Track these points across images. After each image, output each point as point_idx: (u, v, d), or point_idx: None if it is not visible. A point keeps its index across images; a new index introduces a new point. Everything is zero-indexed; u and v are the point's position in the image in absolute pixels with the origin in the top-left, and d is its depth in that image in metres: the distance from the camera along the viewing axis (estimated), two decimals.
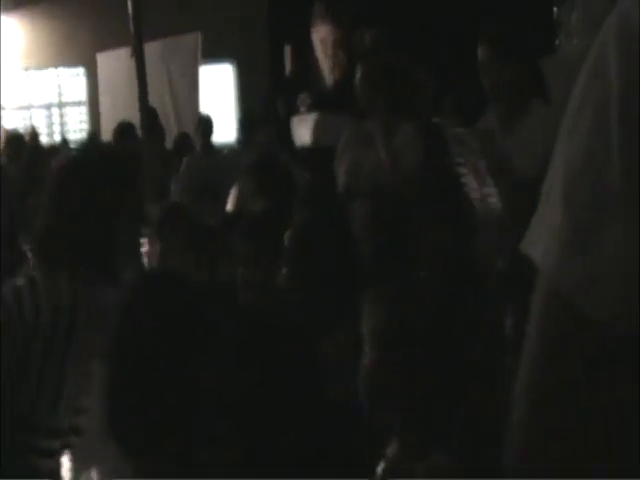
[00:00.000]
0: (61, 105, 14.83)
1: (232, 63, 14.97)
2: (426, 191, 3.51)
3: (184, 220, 3.84)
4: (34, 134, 9.87)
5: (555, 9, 5.28)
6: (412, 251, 3.37)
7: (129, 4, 5.83)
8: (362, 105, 4.37)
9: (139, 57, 6.61)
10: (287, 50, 11.90)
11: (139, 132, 7.56)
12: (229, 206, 4.99)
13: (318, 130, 4.93)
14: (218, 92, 14.19)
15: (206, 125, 8.72)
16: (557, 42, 5.22)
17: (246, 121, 9.64)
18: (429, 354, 1.88)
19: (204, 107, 10.77)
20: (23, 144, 9.35)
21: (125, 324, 1.89)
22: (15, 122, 13.15)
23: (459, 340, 1.92)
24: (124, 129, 7.50)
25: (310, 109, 4.98)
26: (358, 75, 4.36)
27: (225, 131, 11.11)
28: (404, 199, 3.59)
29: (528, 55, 3.96)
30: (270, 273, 3.14)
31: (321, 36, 5.05)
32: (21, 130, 10.94)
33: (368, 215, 3.59)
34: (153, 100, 8.03)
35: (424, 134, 4.32)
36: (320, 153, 4.84)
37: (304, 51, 5.35)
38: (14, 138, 9.56)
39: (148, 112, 6.58)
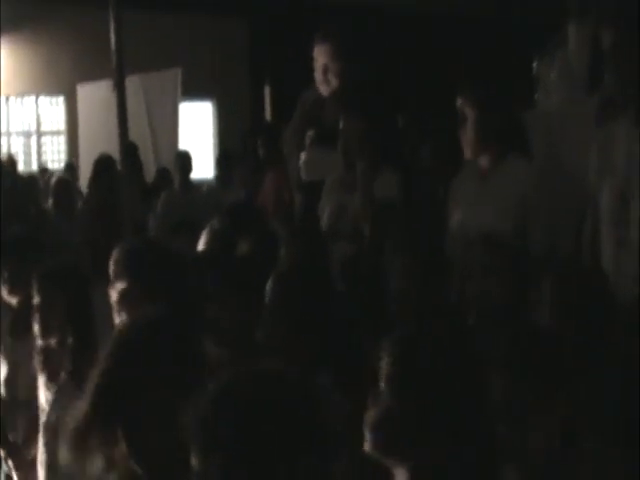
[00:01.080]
0: (40, 134, 14.83)
1: (212, 101, 15.07)
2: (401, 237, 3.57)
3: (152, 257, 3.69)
4: (11, 162, 9.87)
5: (535, 64, 5.38)
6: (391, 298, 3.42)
7: (111, 36, 5.86)
8: (346, 156, 4.47)
9: (120, 91, 6.64)
10: (267, 91, 12.04)
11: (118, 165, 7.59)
12: (201, 245, 4.99)
13: (306, 165, 5.01)
14: (197, 129, 14.26)
15: (185, 161, 8.78)
16: (536, 97, 5.32)
17: (224, 159, 9.72)
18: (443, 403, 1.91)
19: (183, 143, 10.82)
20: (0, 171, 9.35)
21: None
22: None
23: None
24: (104, 162, 7.54)
25: (312, 145, 5.05)
26: (342, 126, 4.46)
27: (203, 168, 11.19)
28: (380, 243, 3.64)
29: (508, 108, 4.04)
30: (250, 320, 3.14)
31: (318, 57, 5.16)
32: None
33: (348, 259, 3.64)
34: (132, 133, 8.05)
35: (402, 174, 4.42)
36: (308, 188, 4.91)
37: (284, 93, 5.41)
38: None
39: (128, 147, 6.60)
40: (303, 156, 5.01)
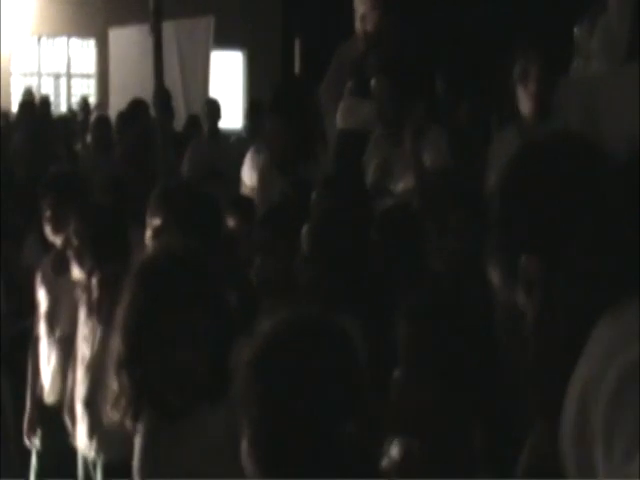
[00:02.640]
0: (70, 76, 14.84)
1: (242, 51, 15.03)
2: (448, 196, 3.60)
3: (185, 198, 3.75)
4: (45, 103, 9.90)
5: (575, 30, 5.35)
6: (425, 256, 3.46)
7: None
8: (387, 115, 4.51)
9: (157, 36, 6.63)
10: (297, 43, 12.00)
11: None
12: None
13: (343, 113, 5.05)
14: (227, 79, 14.24)
15: (213, 109, 8.77)
16: (575, 63, 5.30)
17: (253, 110, 9.72)
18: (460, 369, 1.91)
19: (212, 92, 10.83)
20: (34, 112, 9.39)
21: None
22: (23, 89, 13.15)
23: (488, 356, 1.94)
24: (138, 106, 7.57)
25: (350, 94, 5.08)
26: (379, 88, 4.49)
27: (232, 118, 11.19)
28: (427, 202, 3.69)
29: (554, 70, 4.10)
30: (287, 261, 3.20)
31: (358, 7, 5.19)
32: (33, 95, 10.98)
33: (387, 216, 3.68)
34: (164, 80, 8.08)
35: (452, 136, 4.44)
36: (344, 138, 4.95)
37: (314, 46, 5.43)
38: (26, 105, 9.59)
39: (163, 93, 6.61)
40: (341, 105, 5.04)
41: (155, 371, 2.16)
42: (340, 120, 5.24)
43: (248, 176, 5.03)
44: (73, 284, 3.81)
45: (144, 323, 2.20)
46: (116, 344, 2.24)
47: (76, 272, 3.73)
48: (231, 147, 8.47)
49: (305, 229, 3.01)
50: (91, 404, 3.62)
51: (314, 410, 1.55)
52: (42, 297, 4.17)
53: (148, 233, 3.54)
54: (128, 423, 2.24)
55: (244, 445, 1.60)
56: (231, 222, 4.13)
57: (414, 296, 2.08)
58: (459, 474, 1.89)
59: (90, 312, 3.69)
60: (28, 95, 10.59)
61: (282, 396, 1.56)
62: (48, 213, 4.14)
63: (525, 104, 4.04)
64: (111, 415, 2.25)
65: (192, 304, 2.21)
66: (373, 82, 4.61)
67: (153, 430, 2.20)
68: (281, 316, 1.65)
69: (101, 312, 3.64)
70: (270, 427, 1.57)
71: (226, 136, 9.00)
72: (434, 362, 1.90)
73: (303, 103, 5.10)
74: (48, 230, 4.16)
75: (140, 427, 2.24)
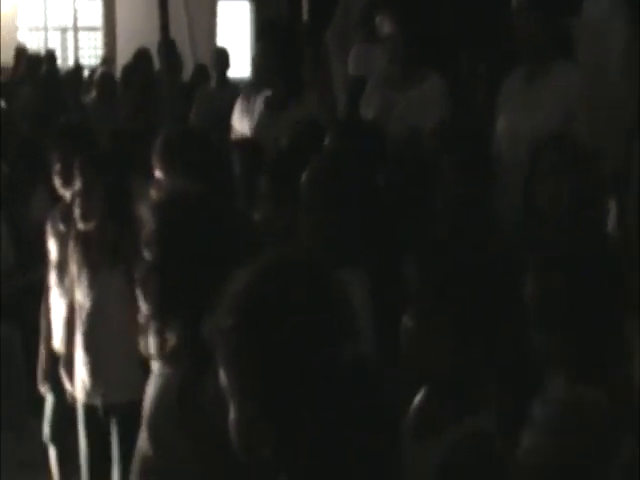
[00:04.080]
0: (76, 29, 14.74)
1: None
2: (451, 141, 3.55)
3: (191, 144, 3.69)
4: (51, 57, 9.85)
5: None
6: (432, 198, 3.43)
7: None
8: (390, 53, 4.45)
9: None
10: None
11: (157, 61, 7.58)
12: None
13: (354, 60, 4.99)
14: (234, 28, 14.12)
15: (222, 57, 8.70)
16: (584, 4, 5.22)
17: None
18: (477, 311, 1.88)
19: (220, 42, 10.76)
20: (40, 66, 9.35)
21: None
22: (29, 43, 13.09)
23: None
24: (143, 55, 7.52)
25: (360, 41, 5.03)
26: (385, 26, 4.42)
27: (239, 67, 11.08)
28: (429, 146, 3.64)
29: (559, 12, 4.02)
30: (293, 211, 3.15)
31: None
32: (37, 51, 10.92)
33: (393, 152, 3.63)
34: (170, 29, 8.03)
35: (452, 84, 4.38)
36: (357, 84, 4.89)
37: None
38: (32, 60, 9.55)
39: (168, 43, 6.57)
40: (352, 52, 4.98)
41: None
42: (352, 67, 5.18)
43: (239, 121, 4.95)
44: None
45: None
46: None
47: (81, 223, 3.73)
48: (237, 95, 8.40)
49: (306, 174, 2.95)
50: (91, 349, 3.67)
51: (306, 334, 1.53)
52: (52, 247, 4.20)
53: (154, 184, 3.52)
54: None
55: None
56: (237, 169, 4.10)
57: (426, 243, 2.04)
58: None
59: (91, 259, 3.70)
60: (21, 50, 10.51)
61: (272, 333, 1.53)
62: (58, 166, 4.12)
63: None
64: (141, 344, 2.18)
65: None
66: (378, 20, 4.51)
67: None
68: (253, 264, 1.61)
69: (104, 259, 3.67)
70: (269, 370, 1.53)
71: (235, 85, 8.93)
72: (450, 311, 1.88)
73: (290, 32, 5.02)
74: (58, 183, 4.15)
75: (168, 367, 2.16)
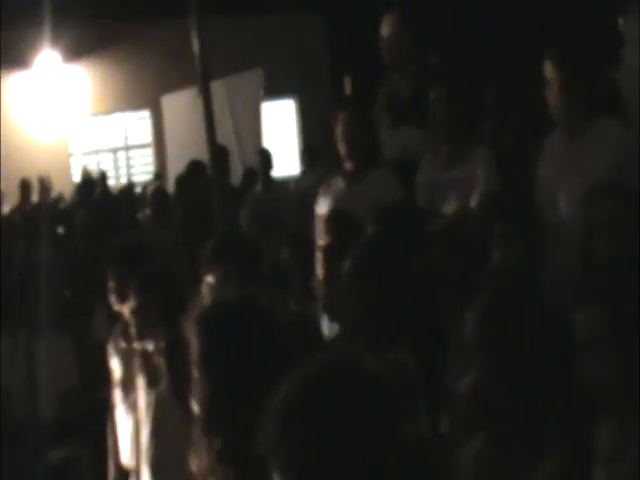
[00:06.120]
0: (127, 148, 15.09)
1: (294, 98, 15.11)
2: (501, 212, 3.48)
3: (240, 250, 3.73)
4: (103, 178, 10.05)
5: (620, 20, 5.22)
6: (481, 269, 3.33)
7: (194, 42, 5.88)
8: (436, 126, 4.42)
9: (206, 94, 6.66)
10: (347, 81, 11.98)
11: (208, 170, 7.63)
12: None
13: (387, 146, 4.95)
14: (281, 127, 14.32)
15: (264, 158, 8.79)
16: (622, 53, 5.16)
17: (308, 152, 9.72)
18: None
19: (267, 142, 10.86)
20: (94, 189, 9.54)
21: None
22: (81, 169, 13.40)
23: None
24: (195, 167, 7.60)
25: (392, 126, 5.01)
26: (432, 95, 4.40)
27: (289, 165, 11.21)
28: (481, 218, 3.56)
29: (596, 70, 3.94)
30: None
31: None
32: (91, 174, 11.15)
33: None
34: (218, 137, 8.12)
35: (499, 156, 4.33)
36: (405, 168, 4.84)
37: (363, 84, 5.38)
38: (85, 183, 9.76)
39: (218, 150, 6.61)
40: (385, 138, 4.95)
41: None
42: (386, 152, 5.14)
43: (321, 206, 4.84)
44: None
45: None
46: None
47: (137, 341, 3.70)
48: (285, 193, 8.43)
49: (348, 263, 2.92)
50: (157, 469, 3.59)
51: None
52: (115, 365, 4.21)
53: (204, 290, 3.49)
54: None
55: None
56: (286, 254, 4.11)
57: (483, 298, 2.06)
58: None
59: (151, 380, 3.65)
60: (85, 174, 10.77)
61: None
62: (112, 283, 4.16)
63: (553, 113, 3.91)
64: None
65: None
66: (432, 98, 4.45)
67: None
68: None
69: (162, 378, 3.61)
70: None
71: (282, 183, 8.99)
72: (509, 361, 1.90)
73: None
74: (113, 300, 4.17)
75: None
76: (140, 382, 3.73)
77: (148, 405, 3.66)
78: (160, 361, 3.59)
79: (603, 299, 2.03)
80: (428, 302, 3.09)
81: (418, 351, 2.74)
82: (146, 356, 3.68)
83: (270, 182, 8.47)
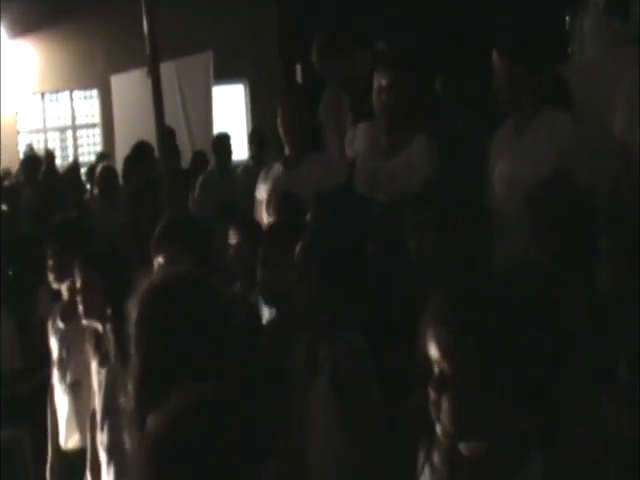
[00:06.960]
0: (75, 127, 14.93)
1: (244, 83, 15.05)
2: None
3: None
4: (49, 157, 9.94)
5: (567, 18, 5.31)
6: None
7: (144, 24, 5.85)
8: (377, 115, 4.43)
9: (155, 77, 6.62)
10: (298, 68, 11.97)
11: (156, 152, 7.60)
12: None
13: (347, 145, 4.95)
14: (230, 111, 14.26)
15: (224, 143, 8.77)
16: (569, 50, 5.25)
17: (257, 138, 9.70)
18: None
19: (216, 126, 10.81)
20: (39, 167, 9.43)
21: None
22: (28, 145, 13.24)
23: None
24: (142, 148, 7.56)
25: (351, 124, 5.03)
26: (375, 86, 4.41)
27: (237, 150, 11.16)
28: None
29: (543, 65, 4.00)
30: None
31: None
32: (36, 153, 11.03)
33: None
34: (167, 119, 8.08)
35: (440, 145, 4.36)
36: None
37: (315, 73, 5.36)
38: (30, 161, 9.64)
39: (166, 132, 6.58)
40: (346, 137, 4.93)
41: None
42: (348, 150, 5.16)
43: (261, 191, 4.87)
44: (81, 330, 3.78)
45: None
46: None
47: (84, 319, 3.70)
48: (240, 178, 8.43)
49: (299, 247, 2.93)
50: (115, 451, 3.58)
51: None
52: (53, 345, 4.17)
53: (154, 268, 3.51)
54: None
55: None
56: (233, 240, 4.13)
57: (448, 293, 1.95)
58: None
59: (102, 359, 3.65)
60: (29, 151, 10.65)
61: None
62: (51, 262, 4.13)
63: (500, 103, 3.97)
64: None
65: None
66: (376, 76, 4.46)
67: None
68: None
69: (111, 357, 3.60)
70: None
71: (233, 168, 8.97)
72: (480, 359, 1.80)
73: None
74: (52, 279, 4.14)
75: None
76: (92, 361, 3.72)
77: (99, 384, 3.66)
78: (109, 339, 3.60)
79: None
80: (383, 290, 3.11)
81: (372, 335, 2.77)
82: (96, 336, 3.68)
83: (228, 167, 8.45)
